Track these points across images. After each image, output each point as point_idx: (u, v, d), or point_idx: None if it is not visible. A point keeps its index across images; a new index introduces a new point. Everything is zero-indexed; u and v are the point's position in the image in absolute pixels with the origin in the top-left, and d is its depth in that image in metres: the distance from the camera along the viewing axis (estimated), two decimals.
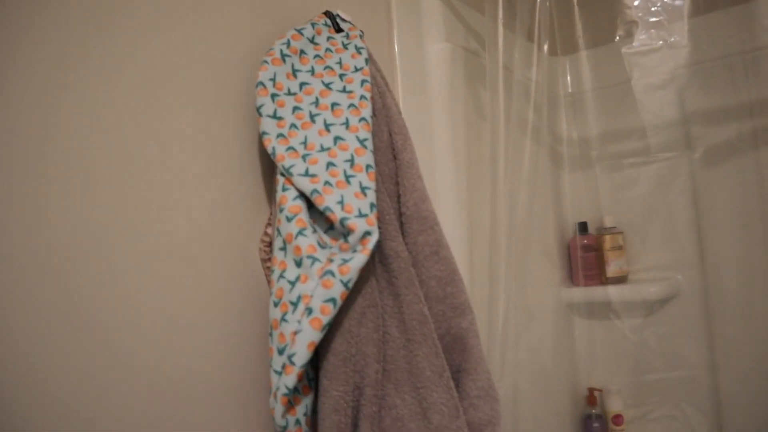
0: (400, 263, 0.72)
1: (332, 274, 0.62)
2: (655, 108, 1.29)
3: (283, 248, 0.66)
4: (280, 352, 0.62)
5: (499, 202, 1.27)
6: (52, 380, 0.53)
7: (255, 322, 0.74)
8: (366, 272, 0.68)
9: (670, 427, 1.41)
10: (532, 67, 1.23)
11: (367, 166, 0.70)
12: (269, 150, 0.69)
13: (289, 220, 0.65)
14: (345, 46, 0.80)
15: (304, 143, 0.70)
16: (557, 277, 1.58)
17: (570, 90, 1.61)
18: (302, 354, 0.61)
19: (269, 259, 0.77)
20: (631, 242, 1.56)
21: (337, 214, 0.65)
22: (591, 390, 1.54)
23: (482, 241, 1.20)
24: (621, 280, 1.54)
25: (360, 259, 0.64)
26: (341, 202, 0.66)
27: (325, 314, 0.61)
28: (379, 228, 0.72)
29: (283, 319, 0.63)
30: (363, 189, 0.68)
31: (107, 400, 0.57)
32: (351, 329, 0.66)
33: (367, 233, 0.65)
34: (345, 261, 0.63)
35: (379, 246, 0.72)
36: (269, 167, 0.79)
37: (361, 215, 0.66)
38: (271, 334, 0.65)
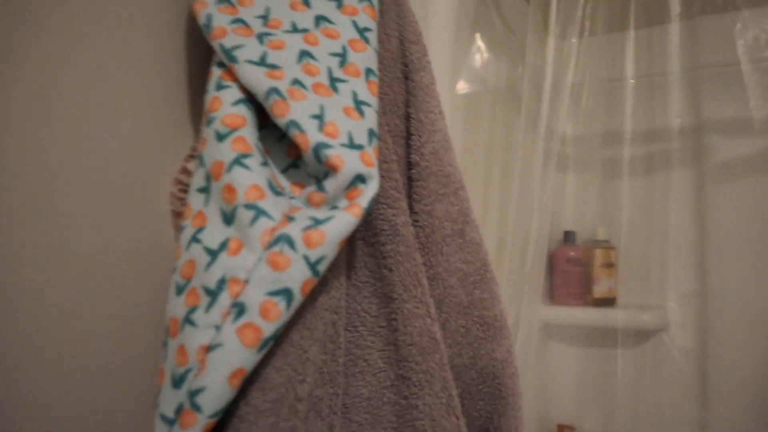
0: (398, 245, 0.42)
1: (290, 243, 0.34)
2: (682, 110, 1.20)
3: (206, 189, 0.38)
4: (177, 382, 0.34)
5: (491, 196, 1.09)
6: None
7: (152, 312, 0.44)
8: (334, 283, 0.40)
9: None
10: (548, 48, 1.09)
11: (368, 71, 0.43)
12: (201, 19, 0.40)
13: (220, 138, 0.37)
14: None
15: (265, 17, 0.42)
16: (535, 292, 1.37)
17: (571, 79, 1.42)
18: (217, 391, 0.33)
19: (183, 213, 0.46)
20: (625, 260, 1.39)
21: (309, 135, 0.37)
22: (560, 427, 1.38)
23: None
24: (609, 302, 1.38)
25: (345, 221, 0.36)
26: (320, 117, 0.38)
27: (268, 320, 0.33)
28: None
29: (187, 319, 0.34)
30: (358, 104, 0.41)
31: None
32: (307, 349, 0.37)
33: (360, 178, 0.37)
34: (317, 222, 0.36)
35: (368, 217, 0.43)
36: (200, 65, 0.49)
37: (352, 145, 0.38)
38: (165, 345, 0.36)
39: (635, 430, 1.30)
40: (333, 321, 0.38)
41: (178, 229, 0.47)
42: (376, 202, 0.43)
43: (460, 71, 1.01)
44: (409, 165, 0.48)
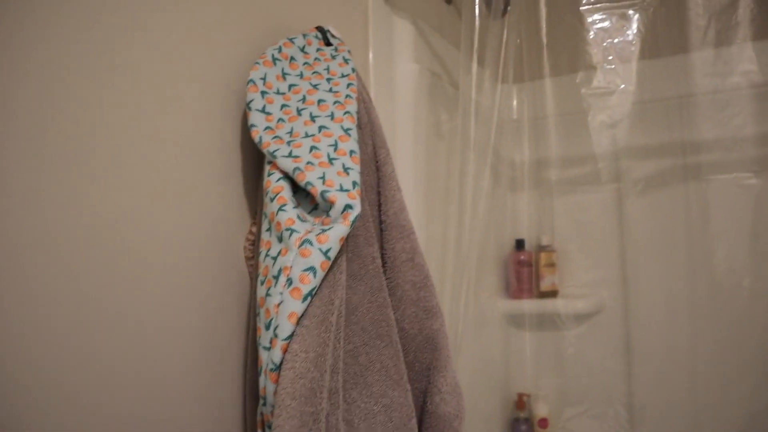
0: (373, 268, 0.76)
1: (310, 242, 0.62)
2: (600, 141, 1.40)
3: (269, 229, 0.67)
4: (267, 327, 0.62)
5: (450, 216, 1.35)
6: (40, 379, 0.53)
7: (236, 320, 0.77)
8: (339, 272, 0.67)
9: (591, 427, 1.54)
10: (488, 94, 1.33)
11: (351, 151, 0.72)
12: (256, 139, 0.72)
13: (272, 200, 0.67)
14: (333, 57, 0.85)
15: (290, 132, 0.73)
16: (495, 289, 1.69)
17: (515, 117, 1.71)
18: (284, 326, 0.60)
19: (253, 257, 0.80)
20: (564, 260, 1.68)
21: (317, 187, 0.66)
22: (520, 395, 1.64)
23: (435, 251, 1.28)
24: (552, 294, 1.65)
25: (339, 228, 0.63)
26: (322, 178, 0.67)
27: (305, 283, 0.61)
28: (359, 233, 0.76)
29: (267, 294, 0.63)
30: (345, 169, 0.70)
31: (89, 398, 0.58)
32: (332, 299, 0.64)
33: (348, 206, 0.65)
34: (324, 230, 0.63)
35: (356, 249, 0.77)
36: (256, 168, 0.83)
37: (342, 190, 0.67)
38: (258, 313, 0.65)
39: (579, 392, 1.57)
40: (340, 282, 0.67)
41: (250, 266, 0.80)
42: (361, 244, 0.77)
43: (419, 126, 1.27)
44: (380, 221, 0.82)
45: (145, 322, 0.64)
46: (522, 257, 1.68)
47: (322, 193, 0.65)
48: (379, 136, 0.85)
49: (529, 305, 1.64)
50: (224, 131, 0.78)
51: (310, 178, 0.67)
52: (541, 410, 1.61)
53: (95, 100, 0.61)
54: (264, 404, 0.63)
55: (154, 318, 0.65)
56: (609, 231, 1.60)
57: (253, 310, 0.73)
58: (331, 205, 0.65)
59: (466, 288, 1.29)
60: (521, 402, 1.63)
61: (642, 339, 1.51)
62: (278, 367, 0.60)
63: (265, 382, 0.61)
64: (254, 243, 0.80)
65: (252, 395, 0.72)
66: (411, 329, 0.80)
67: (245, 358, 0.77)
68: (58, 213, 0.57)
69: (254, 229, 0.81)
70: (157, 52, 0.68)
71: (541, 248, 1.67)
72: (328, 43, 0.89)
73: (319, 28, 0.89)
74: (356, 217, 0.65)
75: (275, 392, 0.59)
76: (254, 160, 0.82)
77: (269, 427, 0.62)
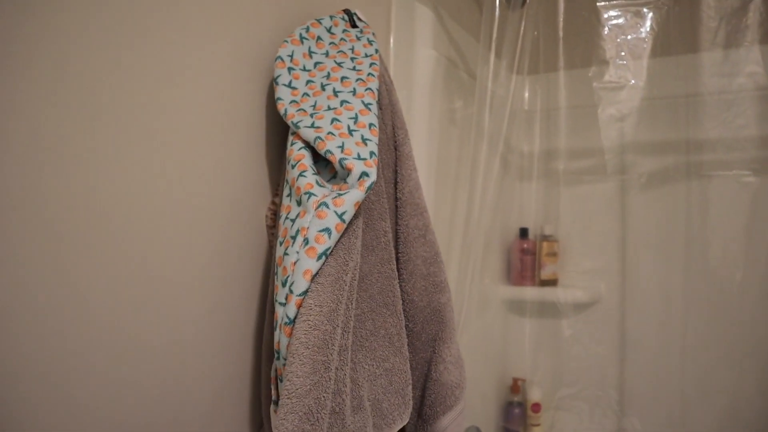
0: (384, 241, 0.80)
1: (326, 205, 0.65)
2: (609, 134, 1.44)
3: (289, 194, 0.70)
4: (284, 284, 0.64)
5: (459, 200, 1.40)
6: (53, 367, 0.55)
7: (252, 284, 0.81)
8: (354, 237, 0.69)
9: (582, 408, 1.60)
10: (503, 84, 1.37)
11: (370, 124, 0.75)
12: (281, 112, 0.75)
13: (293, 167, 0.70)
14: (358, 38, 0.89)
15: (313, 105, 0.77)
16: (497, 274, 1.74)
17: (527, 107, 1.75)
18: (299, 282, 0.62)
19: (274, 226, 0.85)
20: (565, 250, 1.73)
21: (336, 155, 0.69)
22: (515, 379, 1.70)
23: (443, 233, 1.32)
24: (552, 283, 1.70)
25: (355, 193, 0.66)
26: (341, 147, 0.70)
27: (320, 243, 0.63)
28: (373, 207, 0.80)
29: (285, 253, 0.66)
30: (364, 140, 0.73)
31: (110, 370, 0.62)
32: (346, 259, 0.67)
33: (365, 173, 0.68)
34: (340, 194, 0.66)
35: (371, 222, 0.80)
36: (280, 141, 0.87)
37: (359, 158, 0.70)
38: (276, 273, 0.68)
39: (573, 375, 1.62)
40: (355, 246, 0.70)
41: (270, 235, 0.85)
42: (375, 218, 0.81)
43: (434, 111, 1.31)
44: (396, 198, 0.87)
45: (167, 277, 0.68)
46: (525, 245, 1.73)
47: (341, 160, 0.68)
48: (399, 118, 0.89)
49: (530, 292, 1.69)
50: (251, 106, 0.81)
51: (330, 146, 0.70)
52: (534, 395, 1.66)
53: (128, 69, 0.64)
54: (278, 358, 0.65)
55: (176, 274, 0.69)
56: (611, 223, 1.65)
57: (272, 273, 0.77)
58: (348, 172, 0.68)
59: (472, 271, 1.34)
60: (516, 386, 1.69)
61: (637, 328, 1.56)
62: (292, 321, 0.63)
63: (280, 336, 0.64)
64: (275, 212, 0.85)
65: (268, 354, 0.76)
66: (420, 301, 0.84)
67: (259, 319, 0.81)
68: (90, 177, 0.60)
69: (276, 200, 0.85)
70: (190, 28, 0.72)
71: (544, 237, 1.72)
72: (354, 26, 0.93)
73: (346, 11, 0.92)
74: (371, 184, 0.68)
75: (288, 344, 0.62)
76: (279, 133, 0.86)
77: (281, 380, 0.64)
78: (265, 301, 0.82)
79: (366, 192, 0.67)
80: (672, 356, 1.40)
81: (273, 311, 0.72)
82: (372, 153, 0.72)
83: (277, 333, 0.65)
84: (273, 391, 0.68)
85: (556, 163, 1.62)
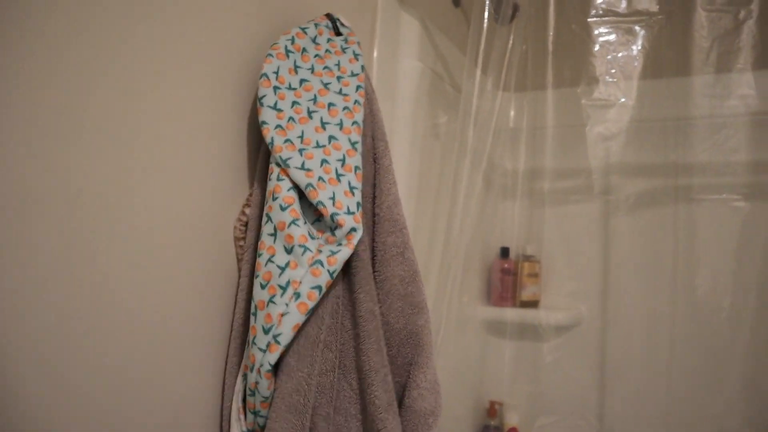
0: (359, 263, 0.76)
1: (321, 263, 0.68)
2: (596, 154, 1.41)
3: (273, 234, 0.70)
4: (266, 331, 0.66)
5: (439, 217, 1.36)
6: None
7: (219, 296, 0.77)
8: (335, 296, 0.74)
9: None
10: (488, 100, 1.34)
11: (356, 168, 0.76)
12: (267, 139, 0.73)
13: (282, 209, 0.69)
14: (343, 50, 0.85)
15: (301, 137, 0.75)
16: (477, 294, 1.69)
17: (512, 125, 1.72)
18: (287, 334, 0.66)
19: (243, 238, 0.80)
20: (547, 271, 1.69)
21: (328, 209, 0.70)
22: (492, 402, 1.64)
23: (422, 251, 1.28)
24: (533, 304, 1.66)
25: (346, 252, 0.69)
26: (333, 198, 0.71)
27: (311, 300, 0.67)
28: None
29: (270, 301, 0.67)
30: (351, 188, 0.74)
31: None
32: (323, 316, 0.70)
33: (354, 229, 0.71)
34: (333, 253, 0.69)
35: None
36: (254, 151, 0.82)
37: (349, 212, 0.71)
38: (255, 314, 0.69)
39: (553, 402, 1.57)
40: (336, 303, 0.72)
41: (239, 247, 0.80)
42: None
43: (417, 124, 1.27)
44: (374, 214, 0.82)
45: (127, 284, 0.64)
46: (506, 265, 1.69)
47: (333, 215, 0.70)
48: (379, 128, 0.85)
49: (509, 313, 1.64)
50: (222, 112, 0.77)
51: (322, 197, 0.71)
52: (511, 419, 1.61)
53: (97, 77, 0.60)
54: (252, 395, 0.69)
55: (136, 285, 0.65)
56: (595, 245, 1.62)
57: (243, 302, 0.75)
58: (339, 226, 0.70)
59: (450, 290, 1.29)
60: (493, 409, 1.63)
61: (619, 353, 1.52)
62: (272, 369, 0.67)
63: (258, 379, 0.68)
64: (246, 224, 0.79)
65: (233, 372, 0.74)
66: (396, 323, 0.79)
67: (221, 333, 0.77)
68: (56, 183, 0.56)
69: (248, 211, 0.80)
70: (168, 35, 0.68)
71: (526, 258, 1.68)
72: (338, 33, 0.88)
73: (329, 16, 0.88)
74: (359, 240, 0.71)
75: (273, 398, 0.68)
76: (253, 141, 0.82)
77: (254, 413, 0.70)
78: (230, 320, 0.77)
79: (354, 248, 0.71)
80: (656, 384, 1.37)
81: (241, 343, 0.75)
82: (358, 204, 0.74)
83: (253, 375, 0.68)
84: (243, 422, 0.71)
85: (541, 182, 1.59)
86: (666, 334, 1.38)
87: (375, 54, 1.12)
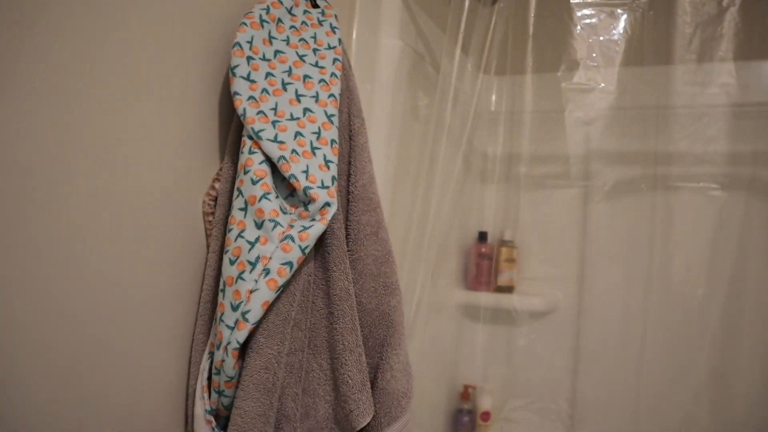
0: (334, 241, 0.75)
1: (292, 239, 0.65)
2: (574, 139, 1.41)
3: (244, 209, 0.67)
4: (234, 308, 0.64)
5: (417, 199, 1.34)
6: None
7: (186, 272, 0.74)
8: (306, 272, 0.71)
9: (532, 420, 1.57)
10: (469, 82, 1.32)
11: (332, 141, 0.74)
12: (239, 111, 0.70)
13: (254, 182, 0.67)
14: (320, 23, 0.82)
15: (275, 109, 0.72)
16: (453, 278, 1.68)
17: (493, 108, 1.71)
18: (256, 312, 0.63)
19: (212, 213, 0.77)
20: (524, 256, 1.69)
21: (301, 182, 0.68)
22: (466, 386, 1.65)
23: (398, 232, 1.26)
24: (509, 290, 1.66)
25: (319, 227, 0.67)
26: (306, 172, 0.69)
27: (281, 276, 0.64)
28: None
29: (239, 277, 0.65)
30: (327, 162, 0.72)
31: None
32: (294, 293, 0.68)
33: (327, 204, 0.68)
34: (305, 228, 0.66)
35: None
36: (225, 124, 0.79)
37: (323, 186, 0.69)
38: (223, 290, 0.66)
39: (525, 385, 1.59)
40: (307, 281, 0.71)
41: (208, 222, 0.78)
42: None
43: (396, 104, 1.25)
44: (348, 192, 0.80)
45: (90, 259, 0.61)
46: (483, 249, 1.69)
47: (305, 189, 0.68)
48: (355, 105, 0.82)
49: (485, 298, 1.64)
50: (192, 83, 0.74)
51: (294, 170, 0.68)
52: (485, 403, 1.62)
53: (56, 46, 0.57)
54: (218, 374, 0.67)
55: (103, 262, 0.62)
56: (571, 231, 1.62)
57: (211, 278, 0.73)
58: (312, 200, 0.68)
59: (424, 272, 1.28)
60: (466, 393, 1.64)
61: (592, 339, 1.53)
62: (240, 347, 0.65)
63: (224, 357, 0.65)
64: (215, 199, 0.77)
65: (198, 351, 0.72)
66: (368, 304, 0.78)
67: (195, 314, 0.75)
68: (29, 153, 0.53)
69: (217, 185, 0.78)
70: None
71: (503, 243, 1.68)
72: (315, 5, 0.86)
73: None
74: (333, 216, 0.69)
75: (241, 376, 0.66)
76: (224, 114, 0.79)
77: (218, 392, 0.68)
78: (198, 297, 0.75)
79: (327, 223, 0.68)
80: (627, 371, 1.38)
81: (209, 319, 0.72)
82: (333, 178, 0.71)
83: (220, 353, 0.66)
84: (207, 401, 0.69)
85: (519, 166, 1.58)
86: (639, 322, 1.38)
87: (354, 31, 1.09)
